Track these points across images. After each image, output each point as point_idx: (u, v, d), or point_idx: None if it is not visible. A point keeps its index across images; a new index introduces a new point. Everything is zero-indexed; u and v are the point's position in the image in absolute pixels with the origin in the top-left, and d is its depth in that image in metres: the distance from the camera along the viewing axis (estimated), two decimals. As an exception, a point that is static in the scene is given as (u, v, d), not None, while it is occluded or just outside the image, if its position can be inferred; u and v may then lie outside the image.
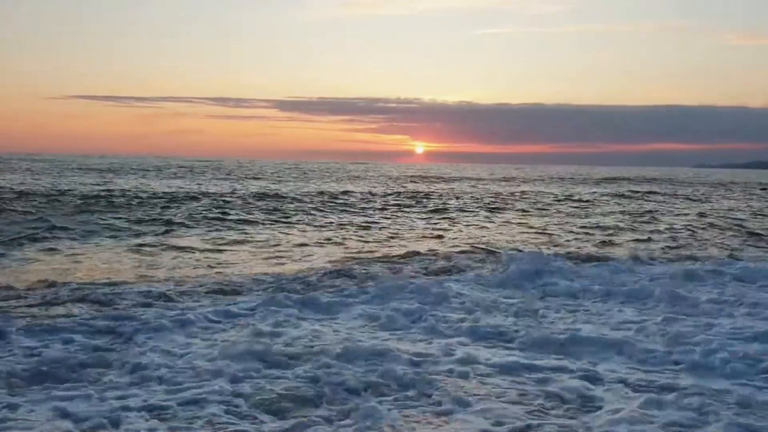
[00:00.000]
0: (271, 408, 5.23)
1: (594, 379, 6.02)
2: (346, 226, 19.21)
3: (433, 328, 7.65)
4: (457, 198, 33.88)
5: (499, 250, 14.35)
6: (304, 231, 17.88)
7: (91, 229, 16.63)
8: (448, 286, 9.74)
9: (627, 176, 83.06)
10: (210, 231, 17.12)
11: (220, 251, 13.91)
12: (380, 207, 26.66)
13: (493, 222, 21.89)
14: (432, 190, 41.55)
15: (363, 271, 11.34)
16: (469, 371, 6.13)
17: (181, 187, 35.68)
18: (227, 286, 9.86)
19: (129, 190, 31.38)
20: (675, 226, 21.37)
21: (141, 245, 14.23)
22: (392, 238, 16.90)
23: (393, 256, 13.43)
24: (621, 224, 21.59)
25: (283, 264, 12.47)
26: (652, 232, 19.42)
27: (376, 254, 13.74)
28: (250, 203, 26.32)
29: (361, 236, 17.08)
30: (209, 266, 11.94)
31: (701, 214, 26.09)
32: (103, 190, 30.73)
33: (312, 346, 6.71)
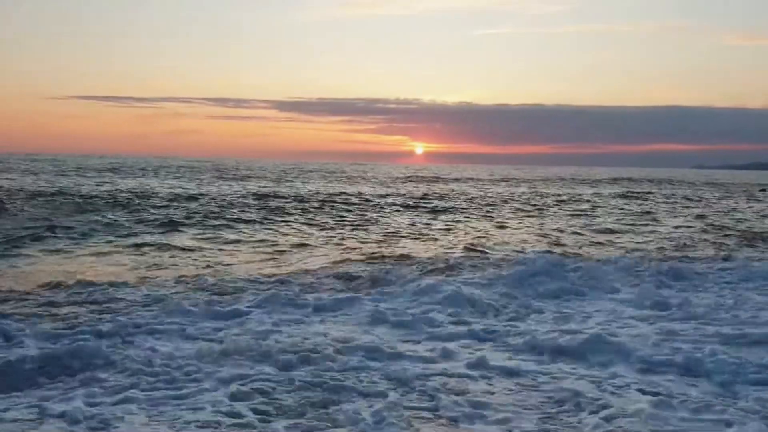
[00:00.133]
0: (271, 408, 5.24)
1: (600, 381, 5.98)
2: (345, 226, 19.24)
3: (434, 329, 7.65)
4: (457, 198, 33.89)
5: (499, 251, 14.37)
6: (303, 231, 17.90)
7: (91, 228, 16.65)
8: (448, 287, 9.72)
9: (627, 177, 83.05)
10: (209, 231, 17.15)
11: (219, 251, 13.96)
12: (379, 207, 26.69)
13: (492, 223, 21.90)
14: (431, 190, 41.56)
15: (362, 272, 11.36)
16: (473, 373, 6.11)
17: (181, 187, 35.70)
18: (226, 286, 9.89)
19: (129, 190, 31.40)
20: (674, 226, 21.41)
21: (141, 245, 14.26)
22: (391, 238, 16.92)
23: (392, 257, 13.45)
24: (620, 225, 21.62)
25: (282, 264, 12.49)
26: (651, 232, 19.46)
27: (376, 254, 13.75)
28: (249, 203, 26.33)
29: (360, 236, 17.10)
30: (209, 266, 11.97)
31: (700, 216, 26.12)
32: (104, 190, 30.75)
33: (312, 347, 6.72)
